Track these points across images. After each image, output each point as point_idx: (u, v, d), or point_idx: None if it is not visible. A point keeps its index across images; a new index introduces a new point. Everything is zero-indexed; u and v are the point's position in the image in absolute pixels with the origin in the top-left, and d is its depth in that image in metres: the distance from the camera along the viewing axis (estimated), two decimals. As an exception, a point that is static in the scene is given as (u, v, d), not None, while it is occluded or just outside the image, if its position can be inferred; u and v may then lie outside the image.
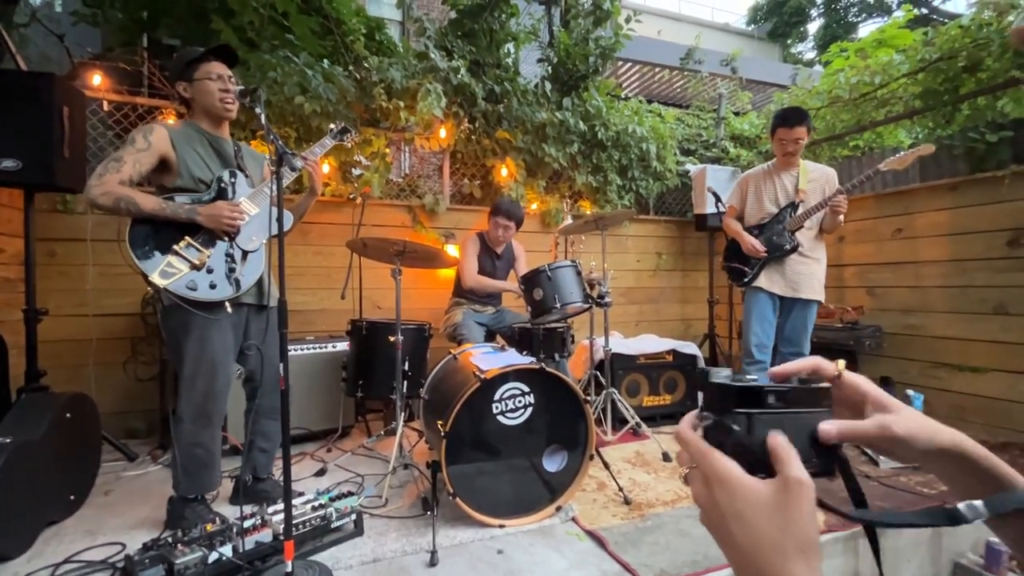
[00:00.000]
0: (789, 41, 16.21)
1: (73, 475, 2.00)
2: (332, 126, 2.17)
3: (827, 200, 2.63)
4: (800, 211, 2.73)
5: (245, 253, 1.87)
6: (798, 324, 2.77)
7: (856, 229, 3.66)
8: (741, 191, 2.99)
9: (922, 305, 3.25)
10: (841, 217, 2.68)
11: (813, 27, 16.16)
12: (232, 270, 1.83)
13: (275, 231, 1.49)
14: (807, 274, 2.75)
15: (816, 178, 2.77)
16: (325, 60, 3.41)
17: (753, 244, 2.81)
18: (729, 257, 3.04)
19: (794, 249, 2.75)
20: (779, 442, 0.40)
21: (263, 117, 1.57)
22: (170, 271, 1.70)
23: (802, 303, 2.75)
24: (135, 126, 2.93)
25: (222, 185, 1.87)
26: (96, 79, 3.05)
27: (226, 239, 1.83)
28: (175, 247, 1.73)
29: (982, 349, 2.95)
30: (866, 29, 14.53)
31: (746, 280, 2.91)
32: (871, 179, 2.68)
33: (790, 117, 2.72)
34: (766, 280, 2.82)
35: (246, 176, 1.95)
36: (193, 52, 1.87)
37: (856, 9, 15.23)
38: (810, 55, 15.88)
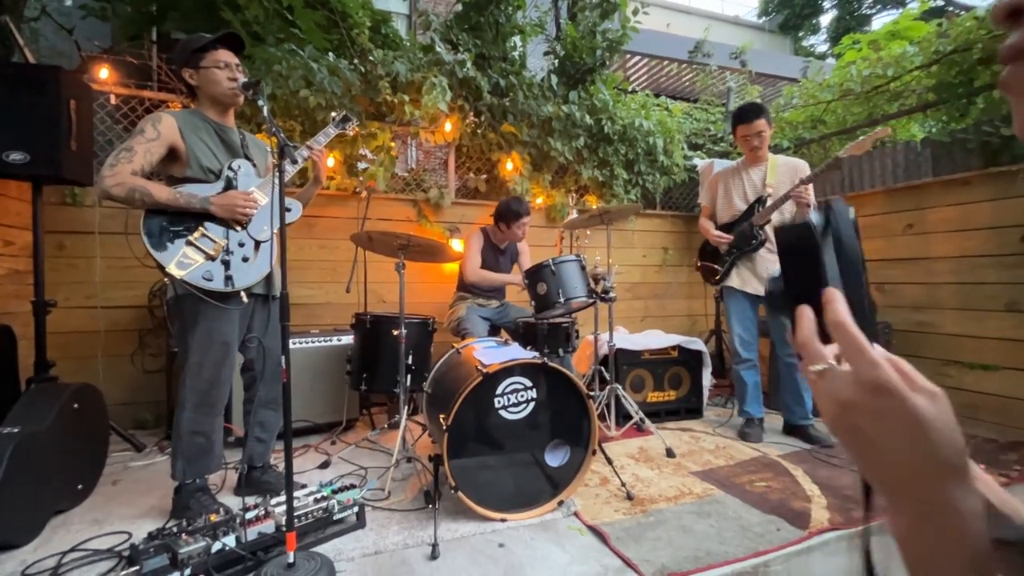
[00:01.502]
0: (801, 34, 15.96)
1: (81, 465, 2.03)
2: (334, 114, 2.17)
3: (789, 192, 2.61)
4: (768, 204, 2.70)
5: (258, 243, 1.88)
6: (786, 323, 2.73)
7: (866, 224, 3.61)
8: (711, 190, 2.99)
9: (933, 302, 3.21)
10: (809, 209, 2.65)
11: (826, 19, 15.91)
12: (246, 259, 1.84)
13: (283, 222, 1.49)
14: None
15: (784, 171, 2.75)
16: (330, 53, 3.40)
17: (717, 234, 2.81)
18: (702, 256, 3.06)
19: (761, 244, 2.73)
20: (899, 361, 0.38)
21: (266, 110, 1.57)
22: (186, 261, 1.71)
23: None
24: (142, 119, 2.94)
25: (230, 175, 1.87)
26: (104, 72, 3.07)
27: (239, 229, 1.84)
28: (190, 237, 1.74)
29: (994, 347, 2.91)
30: (880, 21, 14.30)
31: (717, 279, 2.91)
32: (832, 168, 2.64)
33: (747, 112, 2.73)
34: (738, 279, 2.82)
35: (253, 166, 1.95)
36: (200, 39, 1.86)
37: (870, 0, 14.96)
38: (822, 48, 15.63)
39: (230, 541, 1.52)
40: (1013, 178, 2.83)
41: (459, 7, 4.01)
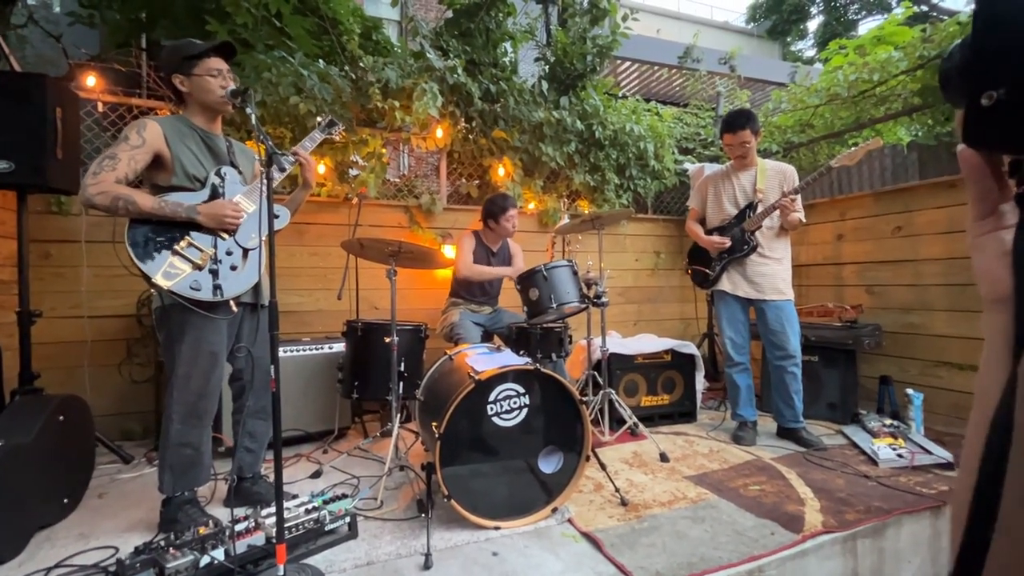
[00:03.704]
0: (789, 39, 16.17)
1: (66, 478, 1.99)
2: (319, 119, 2.16)
3: (778, 202, 2.64)
4: (759, 211, 2.73)
5: (246, 251, 1.86)
6: (776, 327, 2.75)
7: (855, 227, 3.64)
8: (701, 194, 3.01)
9: (922, 303, 3.24)
10: (798, 216, 2.68)
11: (813, 25, 16.13)
12: (234, 268, 1.82)
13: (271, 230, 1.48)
14: (769, 275, 2.75)
15: (773, 176, 2.78)
16: (320, 60, 3.40)
17: (711, 239, 2.83)
18: (692, 260, 3.07)
19: (753, 249, 2.75)
20: None
21: (253, 117, 1.56)
22: (173, 271, 1.69)
23: (773, 305, 2.74)
24: (130, 127, 2.91)
25: (216, 182, 1.85)
26: (91, 80, 3.04)
27: (226, 237, 1.82)
28: (176, 247, 1.71)
29: (982, 347, 2.93)
30: (866, 27, 14.50)
31: (708, 283, 2.93)
32: (823, 177, 2.68)
33: (733, 122, 2.76)
34: (729, 283, 2.84)
35: (239, 173, 1.94)
36: (192, 46, 1.83)
37: (856, 7, 15.19)
38: (810, 53, 15.84)
39: (219, 554, 1.50)
40: (998, 180, 2.86)
41: (449, 14, 4.02)
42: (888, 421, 2.88)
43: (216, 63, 1.84)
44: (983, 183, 0.33)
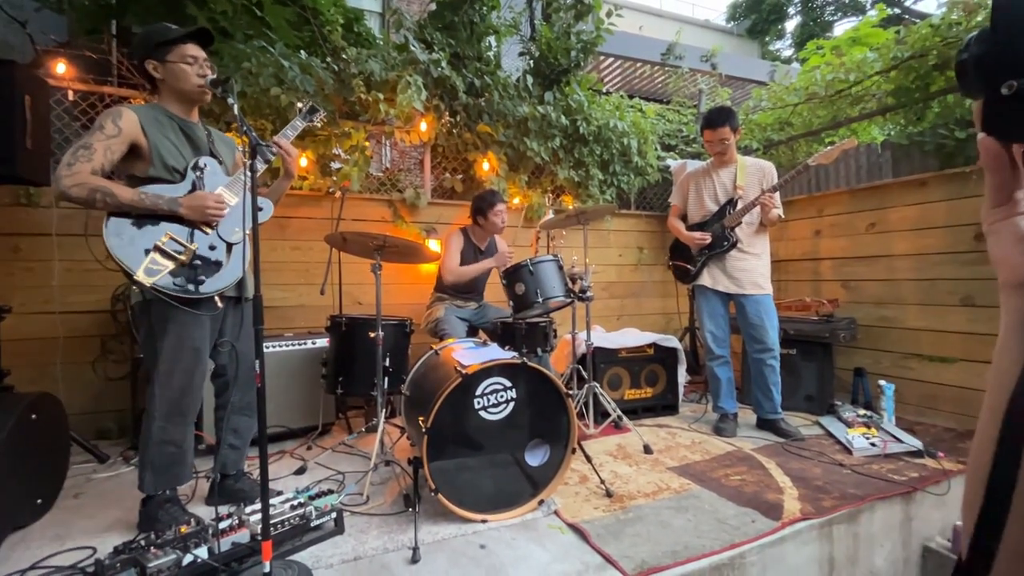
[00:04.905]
0: (768, 38, 16.41)
1: (40, 478, 1.93)
2: (300, 106, 2.09)
3: (757, 199, 2.71)
4: (739, 207, 2.78)
5: (229, 246, 1.82)
6: (755, 321, 2.81)
7: (832, 223, 3.74)
8: (683, 191, 3.06)
9: (894, 297, 3.34)
10: (777, 212, 2.74)
11: (791, 25, 16.41)
12: (218, 263, 1.78)
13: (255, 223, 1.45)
14: (748, 270, 2.81)
15: (753, 172, 2.84)
16: (302, 51, 3.33)
17: (691, 235, 2.88)
18: (673, 255, 3.12)
19: (733, 245, 2.81)
20: None
21: (236, 108, 1.52)
22: (155, 267, 1.64)
23: (752, 299, 2.80)
24: (102, 117, 2.82)
25: (196, 174, 1.80)
26: (60, 67, 2.93)
27: (208, 231, 1.77)
28: (158, 242, 1.66)
29: (951, 340, 3.05)
30: (841, 28, 14.81)
31: (690, 278, 2.98)
32: (801, 174, 2.76)
33: (714, 119, 2.80)
34: (709, 278, 2.89)
35: (220, 163, 1.89)
36: (166, 30, 1.77)
37: (832, 8, 15.49)
38: (788, 52, 16.12)
39: (202, 553, 1.47)
40: (967, 179, 2.97)
41: (433, 6, 3.98)
42: (862, 411, 2.97)
43: (192, 50, 1.77)
44: (1002, 172, 0.34)
